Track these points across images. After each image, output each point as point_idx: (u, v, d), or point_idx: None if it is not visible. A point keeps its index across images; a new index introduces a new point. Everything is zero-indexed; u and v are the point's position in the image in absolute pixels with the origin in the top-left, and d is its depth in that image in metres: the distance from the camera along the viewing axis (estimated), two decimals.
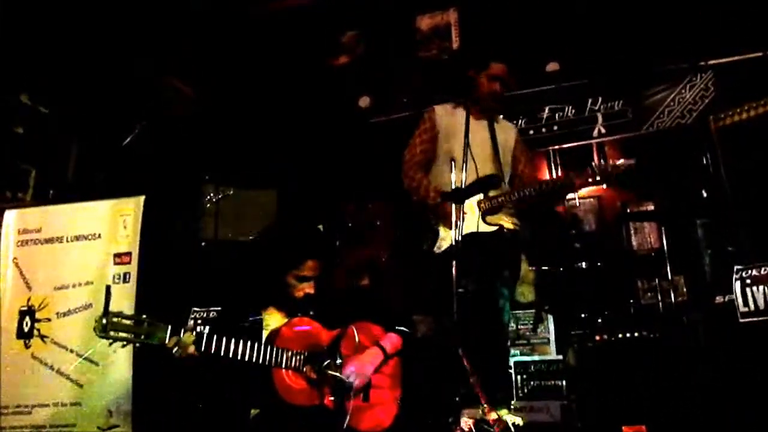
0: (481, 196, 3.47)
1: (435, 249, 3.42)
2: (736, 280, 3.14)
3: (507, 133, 3.78)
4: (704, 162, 4.22)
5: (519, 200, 3.50)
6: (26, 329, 3.66)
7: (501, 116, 3.82)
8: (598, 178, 3.49)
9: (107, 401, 3.46)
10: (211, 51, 6.16)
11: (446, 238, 3.41)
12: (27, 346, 3.63)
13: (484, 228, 3.47)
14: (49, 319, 3.66)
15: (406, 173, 3.63)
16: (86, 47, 5.57)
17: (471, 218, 3.43)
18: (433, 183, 3.60)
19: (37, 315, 3.67)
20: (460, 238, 3.09)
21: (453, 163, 3.29)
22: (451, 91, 3.81)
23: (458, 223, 3.08)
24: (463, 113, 3.60)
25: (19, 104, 5.45)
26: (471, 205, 3.45)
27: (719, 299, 3.27)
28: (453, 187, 3.22)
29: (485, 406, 3.25)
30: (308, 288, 2.95)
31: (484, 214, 3.47)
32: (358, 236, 5.29)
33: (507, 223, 3.53)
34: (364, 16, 6.69)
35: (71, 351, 3.58)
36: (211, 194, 4.77)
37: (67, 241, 3.78)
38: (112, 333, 2.46)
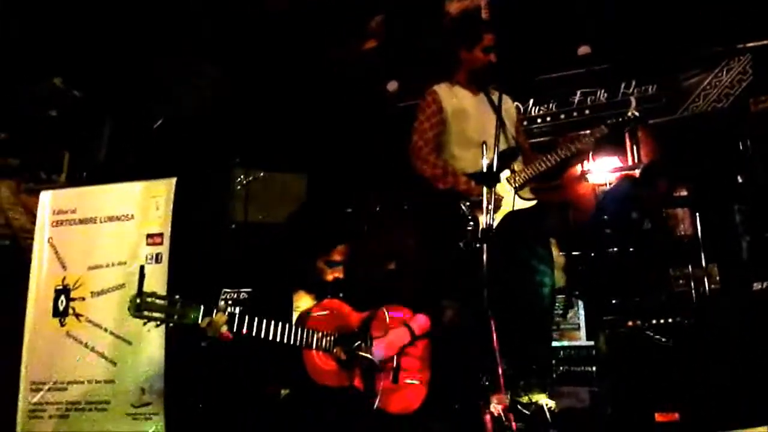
0: (507, 173, 3.41)
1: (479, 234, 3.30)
2: None
3: (507, 104, 3.66)
4: (740, 146, 4.12)
5: (546, 169, 3.42)
6: (61, 308, 3.72)
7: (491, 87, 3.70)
8: (607, 132, 3.46)
9: (140, 379, 3.51)
10: (243, 35, 6.16)
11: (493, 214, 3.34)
12: (62, 324, 3.70)
13: (522, 204, 3.39)
14: (83, 298, 3.71)
15: (423, 159, 3.42)
16: (118, 31, 5.60)
17: (505, 197, 3.35)
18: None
19: (72, 294, 3.73)
20: (492, 222, 3.04)
21: (485, 146, 3.22)
22: (447, 70, 3.66)
23: (490, 206, 3.01)
24: (463, 92, 3.55)
25: (53, 88, 5.51)
26: (500, 184, 3.33)
27: (757, 286, 3.20)
28: (484, 169, 3.14)
29: (521, 388, 3.25)
30: (338, 272, 2.97)
31: (516, 189, 3.39)
32: (386, 221, 5.27)
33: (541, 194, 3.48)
34: (394, 0, 6.63)
35: (105, 329, 3.63)
36: (241, 177, 4.79)
37: (101, 221, 3.82)
38: (146, 313, 2.50)
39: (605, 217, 4.64)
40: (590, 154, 4.52)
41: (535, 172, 3.42)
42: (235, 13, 6.17)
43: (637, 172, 5.81)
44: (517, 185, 3.40)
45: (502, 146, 3.32)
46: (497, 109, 3.29)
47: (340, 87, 6.41)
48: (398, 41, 6.62)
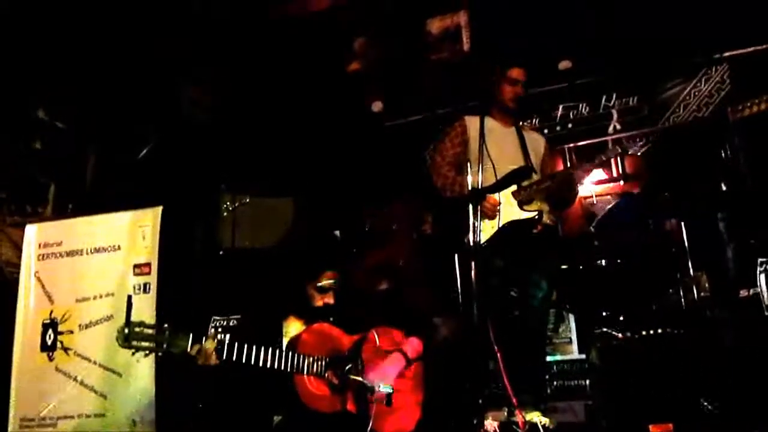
0: (514, 187, 3.53)
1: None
2: (760, 272, 3.10)
3: (537, 141, 3.86)
4: (722, 155, 4.16)
5: (549, 186, 3.54)
6: (49, 342, 3.69)
7: (527, 125, 3.88)
8: (620, 151, 3.79)
9: (131, 411, 3.48)
10: (225, 60, 6.19)
11: (486, 230, 3.41)
12: (51, 359, 3.67)
13: (523, 215, 3.50)
14: (71, 332, 3.69)
15: (438, 172, 3.65)
16: (100, 59, 5.61)
17: (509, 209, 3.47)
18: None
19: (60, 327, 3.70)
20: (479, 238, 3.07)
21: (469, 164, 3.28)
22: (476, 99, 3.86)
23: (476, 222, 3.06)
24: (492, 122, 3.70)
25: (36, 120, 5.50)
26: (507, 195, 3.51)
27: (744, 293, 3.22)
28: (480, 185, 3.25)
29: (514, 407, 3.24)
30: (327, 298, 2.97)
31: (520, 203, 3.51)
32: (377, 239, 5.28)
33: (545, 208, 3.53)
34: (375, 22, 6.68)
35: (94, 362, 3.60)
36: (228, 203, 4.78)
37: (88, 253, 3.81)
38: (134, 343, 2.48)
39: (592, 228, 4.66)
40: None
41: (541, 188, 3.54)
42: (219, 41, 6.20)
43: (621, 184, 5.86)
44: (520, 198, 3.51)
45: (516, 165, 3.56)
46: (521, 142, 3.52)
47: (324, 110, 6.43)
48: (382, 62, 6.66)
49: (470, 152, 3.65)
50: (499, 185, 3.47)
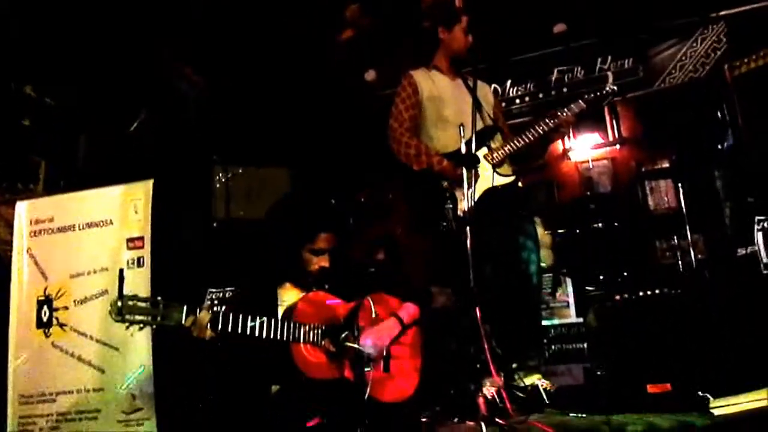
0: (485, 150, 3.41)
1: (459, 213, 3.29)
2: (758, 231, 3.08)
3: (484, 89, 3.71)
4: (719, 114, 4.12)
5: (523, 145, 3.42)
6: (45, 319, 3.66)
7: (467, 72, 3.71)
8: (585, 107, 3.49)
9: (129, 385, 3.47)
10: (215, 30, 6.09)
11: (463, 199, 3.33)
12: (47, 335, 3.64)
13: (500, 180, 3.39)
14: (67, 307, 3.66)
15: (398, 141, 3.45)
16: (90, 34, 5.52)
17: (483, 174, 3.36)
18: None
19: (55, 304, 3.67)
20: (473, 203, 3.03)
21: (462, 128, 3.22)
22: (426, 53, 3.69)
23: (472, 185, 3.01)
24: (440, 76, 3.58)
25: (25, 96, 5.43)
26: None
27: (741, 251, 3.20)
28: (462, 149, 3.16)
29: (513, 370, 3.24)
30: (323, 261, 2.92)
31: (494, 166, 3.40)
32: (372, 212, 5.25)
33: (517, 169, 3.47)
34: None
35: (91, 337, 3.58)
36: (221, 174, 4.74)
37: (80, 228, 3.76)
38: (128, 316, 2.46)
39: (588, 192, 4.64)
40: (570, 131, 4.51)
41: (514, 149, 3.42)
42: (209, 10, 6.09)
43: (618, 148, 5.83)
44: (494, 162, 3.40)
45: (479, 127, 3.34)
46: (473, 91, 3.29)
47: (318, 79, 6.36)
48: (375, 29, 6.57)
49: (425, 113, 3.53)
50: (470, 148, 3.24)
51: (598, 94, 3.45)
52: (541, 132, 3.40)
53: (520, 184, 3.48)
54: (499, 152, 3.42)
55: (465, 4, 3.83)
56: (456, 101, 3.52)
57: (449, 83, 3.60)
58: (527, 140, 3.41)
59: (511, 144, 3.43)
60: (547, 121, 3.42)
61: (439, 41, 3.61)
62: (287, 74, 6.27)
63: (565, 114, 3.43)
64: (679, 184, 4.48)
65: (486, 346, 2.85)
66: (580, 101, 3.45)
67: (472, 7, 3.73)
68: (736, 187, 3.54)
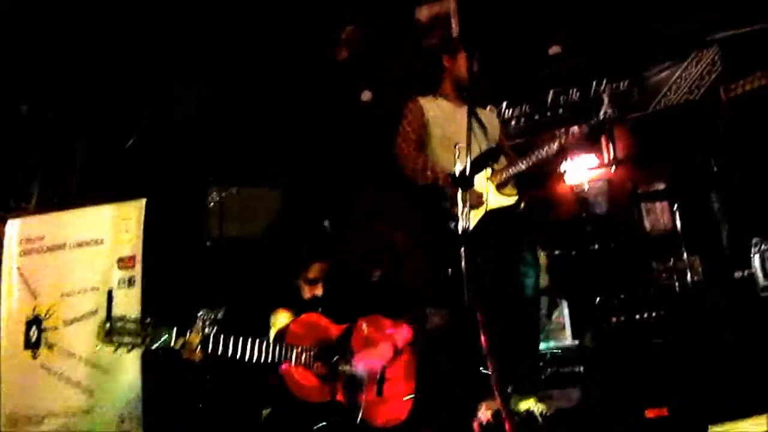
0: (488, 172, 3.44)
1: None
2: (754, 253, 3.06)
3: (491, 119, 3.78)
4: (714, 136, 4.12)
5: (527, 167, 3.44)
6: (33, 339, 3.63)
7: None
8: (588, 131, 3.45)
9: (118, 407, 3.41)
10: (212, 50, 6.10)
11: (469, 216, 3.33)
12: (35, 356, 3.60)
13: (502, 202, 3.42)
14: (56, 328, 3.62)
15: (405, 156, 3.52)
16: (86, 51, 5.52)
17: (487, 194, 3.38)
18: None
19: (44, 324, 3.63)
20: (468, 225, 3.01)
21: (458, 148, 3.21)
22: (431, 81, 3.75)
23: (465, 209, 3.00)
24: (445, 103, 3.63)
25: (20, 114, 5.42)
26: (480, 182, 3.40)
27: (738, 274, 3.18)
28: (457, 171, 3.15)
29: (509, 394, 3.20)
30: (316, 290, 2.91)
31: (498, 187, 3.43)
32: (369, 223, 5.22)
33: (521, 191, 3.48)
34: (364, 10, 6.61)
35: (79, 358, 3.54)
36: (215, 193, 4.71)
37: (71, 247, 3.74)
38: (116, 338, 2.42)
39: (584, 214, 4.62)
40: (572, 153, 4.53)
41: (517, 171, 3.45)
42: (204, 30, 6.12)
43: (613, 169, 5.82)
44: (497, 183, 3.43)
45: (483, 148, 3.45)
46: (471, 114, 3.31)
47: (313, 99, 6.36)
48: (371, 50, 6.60)
49: (431, 135, 3.58)
50: (473, 168, 3.21)
51: (602, 118, 3.46)
52: (544, 155, 3.42)
53: (522, 205, 3.48)
54: (502, 173, 3.45)
55: (463, 32, 3.91)
56: (460, 124, 3.54)
57: (455, 109, 3.64)
58: (529, 163, 3.43)
59: (515, 165, 3.46)
60: (550, 144, 3.43)
61: (444, 69, 3.67)
62: (284, 93, 6.27)
63: (566, 139, 3.44)
64: (675, 206, 4.46)
65: (491, 370, 2.81)
66: (584, 125, 3.46)
67: (469, 36, 3.79)
68: (733, 208, 3.53)
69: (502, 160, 3.57)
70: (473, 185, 3.29)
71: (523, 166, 3.45)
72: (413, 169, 3.47)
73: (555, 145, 3.43)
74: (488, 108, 3.92)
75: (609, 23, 5.72)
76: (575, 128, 3.46)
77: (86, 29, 5.50)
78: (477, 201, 3.31)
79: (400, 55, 6.48)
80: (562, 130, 3.49)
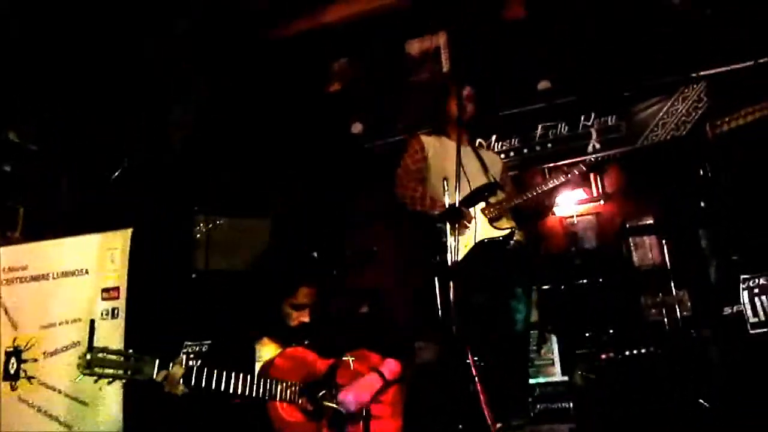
0: (483, 204, 3.49)
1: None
2: (743, 290, 3.05)
3: (493, 158, 3.85)
4: (701, 172, 4.15)
5: (522, 203, 3.51)
6: (12, 371, 3.54)
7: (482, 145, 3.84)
8: (591, 164, 3.64)
9: None
10: (201, 80, 6.12)
11: (458, 248, 3.33)
12: (13, 389, 3.52)
13: (495, 233, 3.44)
14: (36, 360, 3.54)
15: (403, 185, 3.57)
16: (72, 81, 5.53)
17: (479, 226, 3.42)
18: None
19: (24, 355, 3.56)
20: (457, 258, 3.00)
21: (446, 182, 3.23)
22: (436, 119, 3.82)
23: (454, 242, 3.00)
24: (447, 141, 3.68)
25: (6, 142, 5.39)
26: (476, 212, 3.48)
27: (727, 310, 3.17)
28: (447, 205, 3.17)
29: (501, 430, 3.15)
30: (303, 316, 2.86)
31: (491, 220, 3.47)
32: (358, 263, 5.19)
33: (514, 225, 3.49)
34: (355, 44, 6.69)
35: (59, 392, 3.46)
36: (201, 224, 4.67)
37: (54, 277, 3.68)
38: (97, 369, 2.36)
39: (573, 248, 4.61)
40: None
41: (511, 205, 3.51)
42: (194, 60, 6.14)
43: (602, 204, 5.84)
44: (491, 216, 3.47)
45: (482, 182, 3.53)
46: (458, 146, 3.35)
47: (304, 131, 6.38)
48: (362, 83, 6.65)
49: (431, 170, 3.64)
50: (468, 200, 3.42)
51: (601, 158, 3.55)
52: (540, 191, 3.48)
53: (516, 238, 3.49)
54: (497, 207, 3.49)
55: (453, 71, 3.99)
56: (462, 162, 3.56)
57: (455, 146, 3.65)
58: (525, 198, 3.50)
59: (509, 199, 3.52)
60: (547, 182, 3.48)
61: (448, 111, 3.73)
62: (273, 124, 6.29)
63: (564, 177, 3.48)
64: (664, 241, 4.47)
65: (484, 405, 2.78)
66: (581, 165, 3.53)
67: (459, 74, 3.85)
68: (721, 244, 3.54)
69: (500, 195, 3.60)
70: (463, 218, 3.31)
71: (517, 200, 3.51)
72: (412, 196, 3.52)
73: (555, 182, 3.48)
74: (477, 142, 3.96)
75: (597, 59, 5.80)
76: (574, 168, 3.52)
77: (73, 58, 5.51)
78: (462, 231, 3.33)
79: (391, 88, 6.54)
80: (564, 166, 3.53)
